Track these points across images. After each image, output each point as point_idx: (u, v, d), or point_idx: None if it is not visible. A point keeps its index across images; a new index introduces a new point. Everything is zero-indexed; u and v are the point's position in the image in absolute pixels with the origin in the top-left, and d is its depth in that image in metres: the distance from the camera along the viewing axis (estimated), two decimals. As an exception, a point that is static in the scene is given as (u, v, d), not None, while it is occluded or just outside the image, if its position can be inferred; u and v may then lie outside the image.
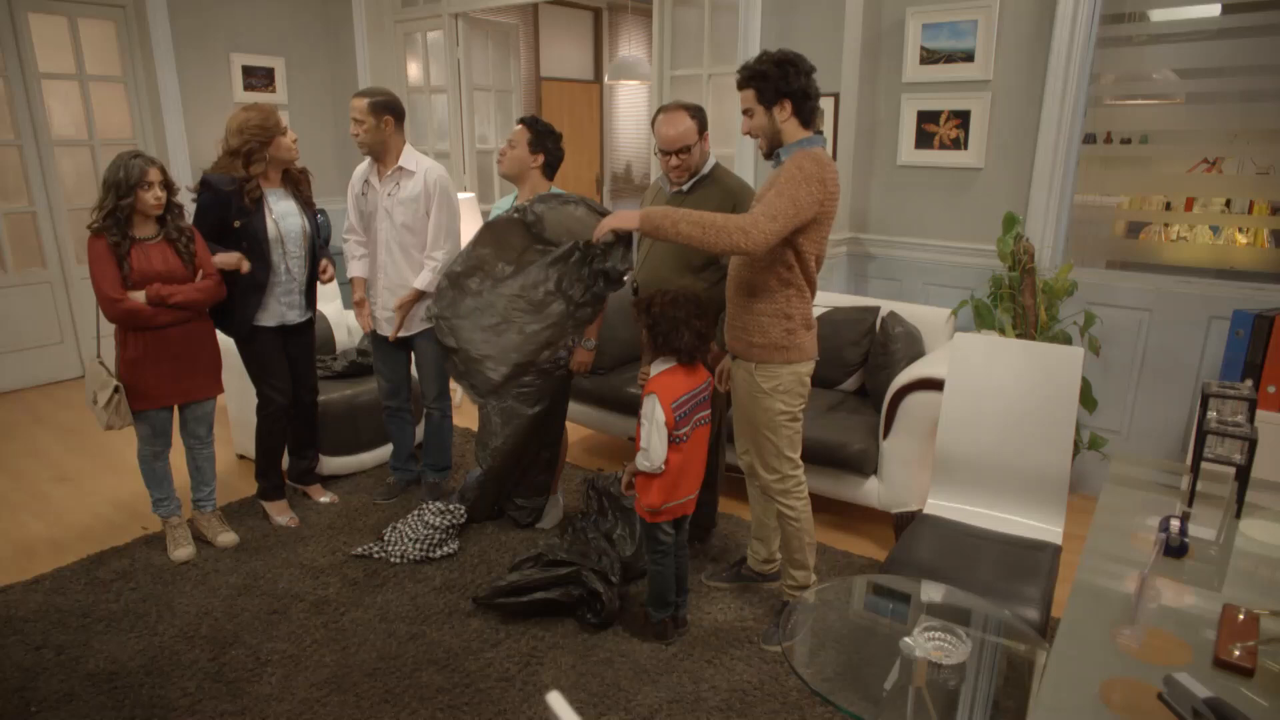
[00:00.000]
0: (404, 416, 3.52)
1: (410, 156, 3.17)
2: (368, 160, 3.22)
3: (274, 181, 3.04)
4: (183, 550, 3.04)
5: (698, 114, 2.65)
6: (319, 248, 3.19)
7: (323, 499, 3.49)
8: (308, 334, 3.28)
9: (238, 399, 3.72)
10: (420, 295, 3.17)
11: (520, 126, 2.96)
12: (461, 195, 4.70)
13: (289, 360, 3.23)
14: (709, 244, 2.14)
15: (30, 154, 4.87)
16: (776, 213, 2.15)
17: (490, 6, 5.27)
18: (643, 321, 2.40)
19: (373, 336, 3.37)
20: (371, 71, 5.79)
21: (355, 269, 3.30)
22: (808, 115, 2.29)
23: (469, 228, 4.64)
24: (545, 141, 2.95)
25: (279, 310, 3.11)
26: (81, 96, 5.04)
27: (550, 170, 3.00)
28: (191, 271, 2.85)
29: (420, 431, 3.74)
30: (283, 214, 3.03)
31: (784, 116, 2.27)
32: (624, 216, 2.35)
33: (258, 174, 2.94)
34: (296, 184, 3.10)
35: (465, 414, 4.58)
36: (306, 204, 3.13)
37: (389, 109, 3.09)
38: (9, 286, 4.90)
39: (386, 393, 3.46)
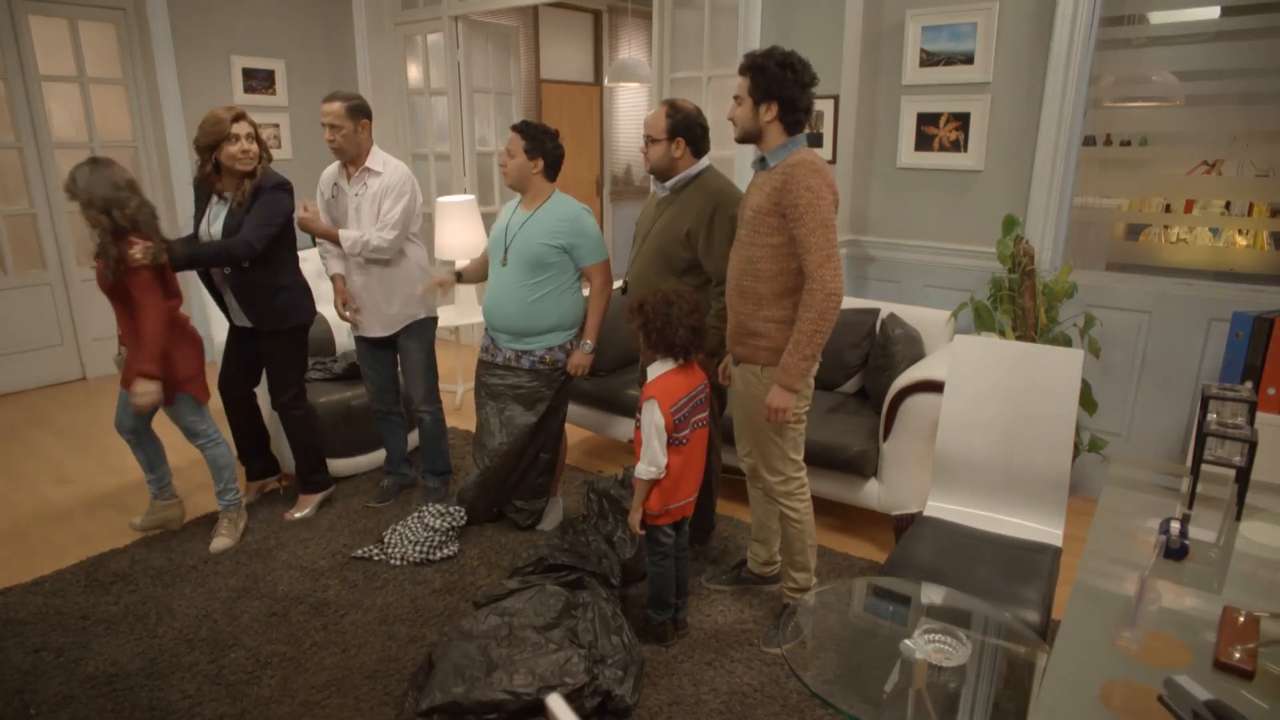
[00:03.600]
0: (394, 420, 3.51)
1: (377, 157, 3.18)
2: (336, 163, 3.24)
3: (228, 185, 3.05)
4: (223, 540, 3.14)
5: (677, 115, 2.67)
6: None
7: (289, 513, 3.38)
8: (271, 342, 3.18)
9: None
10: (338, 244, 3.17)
11: (514, 134, 2.95)
12: (461, 197, 4.71)
13: (265, 366, 3.28)
14: (828, 330, 2.22)
15: (30, 156, 4.87)
16: (825, 250, 2.18)
17: (490, 9, 5.28)
18: (636, 322, 2.39)
19: (358, 338, 3.37)
20: (371, 74, 5.79)
21: (334, 267, 3.29)
22: (792, 124, 2.28)
23: (468, 228, 4.65)
24: (541, 144, 2.93)
25: (229, 306, 3.21)
26: (82, 98, 5.05)
27: (552, 171, 2.98)
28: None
29: (414, 437, 3.72)
30: (215, 216, 3.07)
31: (768, 117, 2.27)
32: (780, 397, 2.29)
33: (206, 173, 3.01)
34: (242, 190, 3.02)
35: (464, 415, 4.58)
36: (236, 210, 3.02)
37: (364, 112, 3.11)
38: (9, 288, 4.91)
39: (373, 395, 3.45)
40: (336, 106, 3.05)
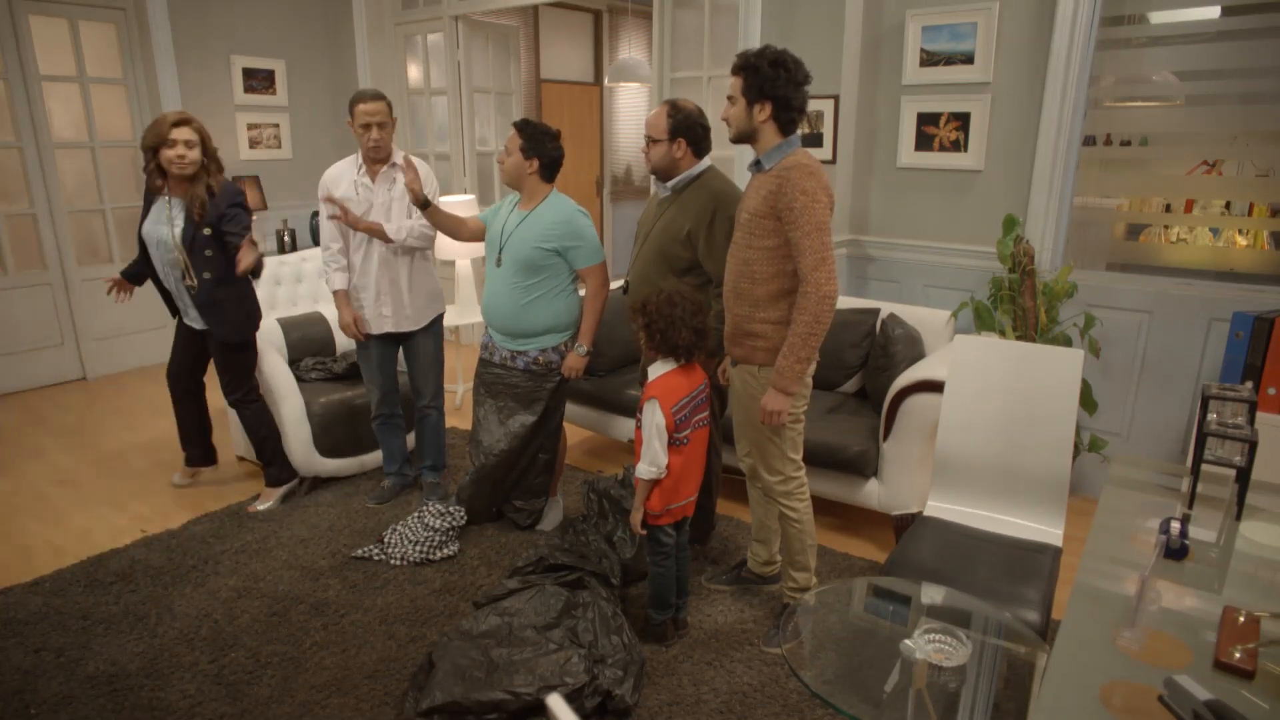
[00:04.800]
0: (397, 422, 3.50)
1: (397, 153, 3.20)
2: (347, 162, 3.19)
3: (173, 191, 3.09)
4: None
5: (678, 115, 2.66)
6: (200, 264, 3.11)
7: (251, 506, 3.43)
8: (229, 348, 3.26)
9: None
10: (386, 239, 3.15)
11: (513, 131, 2.93)
12: (462, 197, 4.71)
13: (220, 367, 3.33)
14: (823, 333, 2.22)
15: (31, 156, 4.87)
16: (820, 253, 2.18)
17: (490, 9, 5.28)
18: (639, 323, 2.39)
19: (362, 344, 3.32)
20: (372, 74, 5.79)
21: (338, 281, 3.23)
22: (786, 123, 2.28)
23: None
24: (539, 144, 2.90)
25: (185, 311, 3.29)
26: (82, 98, 5.04)
27: (548, 172, 2.95)
28: None
29: (411, 437, 3.72)
30: (156, 220, 3.11)
31: (762, 117, 2.27)
32: (775, 400, 2.30)
33: (149, 172, 3.06)
34: (198, 201, 3.06)
35: (464, 415, 4.58)
36: (197, 222, 3.06)
37: (392, 107, 3.14)
38: (9, 288, 4.90)
39: (379, 400, 3.40)
40: (383, 105, 3.06)
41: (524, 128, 2.91)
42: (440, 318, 3.40)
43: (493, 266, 3.02)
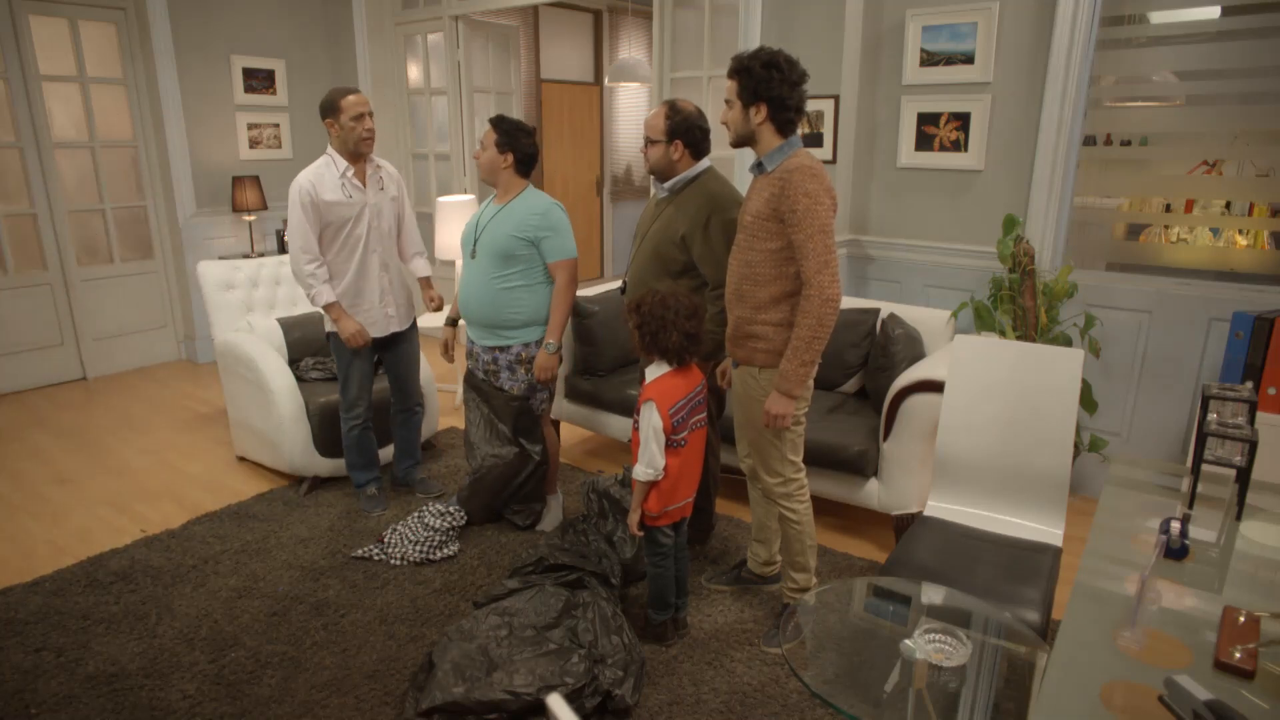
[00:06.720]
0: (371, 426, 3.44)
1: (378, 159, 3.22)
2: (322, 165, 3.06)
3: None
4: None
5: (676, 116, 2.66)
6: None
7: None
8: None
9: (237, 401, 3.72)
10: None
11: (489, 127, 2.94)
12: (461, 197, 4.71)
13: None
14: (827, 336, 2.21)
15: (31, 156, 4.87)
16: (823, 255, 2.17)
17: (490, 9, 5.28)
18: (633, 321, 2.39)
19: (355, 351, 3.19)
20: (372, 74, 5.80)
21: (328, 294, 3.08)
22: (784, 124, 2.27)
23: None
24: (514, 139, 2.90)
25: None
26: (82, 98, 5.05)
27: (523, 167, 2.95)
28: None
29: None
30: None
31: (759, 119, 2.27)
32: (778, 403, 2.29)
33: None
34: None
35: (461, 415, 4.57)
36: None
37: None
38: (9, 289, 4.90)
39: (366, 406, 3.32)
40: (365, 97, 3.07)
41: (499, 123, 2.93)
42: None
43: (468, 259, 3.02)
